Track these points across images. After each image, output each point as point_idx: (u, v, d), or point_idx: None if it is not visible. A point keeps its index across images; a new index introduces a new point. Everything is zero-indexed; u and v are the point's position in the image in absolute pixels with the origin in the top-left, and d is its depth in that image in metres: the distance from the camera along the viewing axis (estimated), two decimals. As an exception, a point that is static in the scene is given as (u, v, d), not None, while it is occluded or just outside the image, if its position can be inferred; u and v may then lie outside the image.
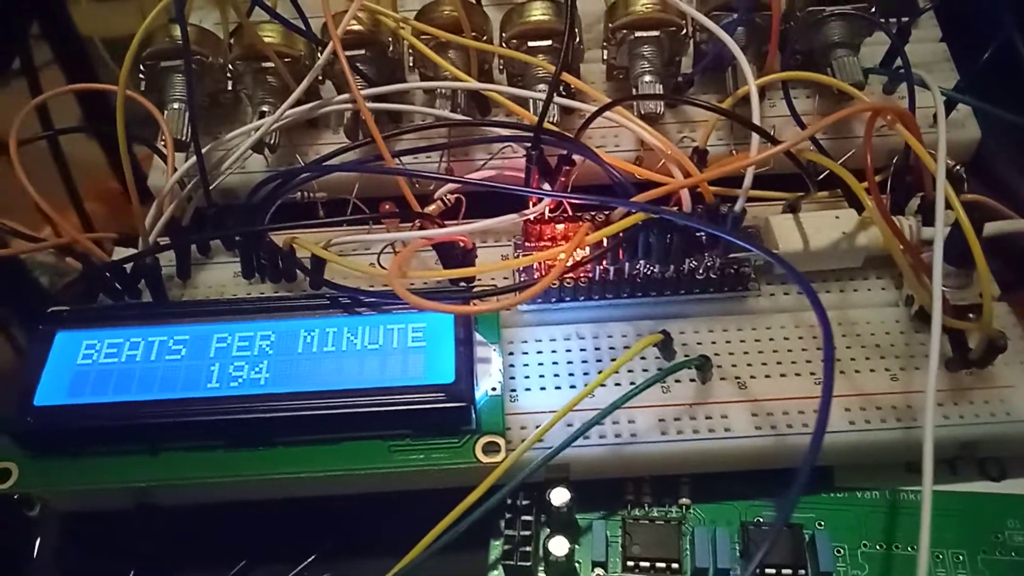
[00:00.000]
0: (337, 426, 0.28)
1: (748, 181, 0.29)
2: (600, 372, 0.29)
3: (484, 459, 0.28)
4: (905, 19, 0.36)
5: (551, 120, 0.32)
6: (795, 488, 0.20)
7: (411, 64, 0.35)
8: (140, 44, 0.32)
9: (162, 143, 0.34)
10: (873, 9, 0.34)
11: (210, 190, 0.32)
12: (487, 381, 0.29)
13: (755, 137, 0.29)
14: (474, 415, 0.28)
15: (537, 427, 0.28)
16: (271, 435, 0.28)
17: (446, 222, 0.32)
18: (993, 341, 0.28)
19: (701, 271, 0.31)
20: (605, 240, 0.29)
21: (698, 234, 0.30)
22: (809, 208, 0.32)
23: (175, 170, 0.32)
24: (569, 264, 0.29)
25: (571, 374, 0.30)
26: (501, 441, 0.28)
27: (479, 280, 0.32)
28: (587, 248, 0.30)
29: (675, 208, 0.29)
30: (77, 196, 0.49)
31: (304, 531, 0.30)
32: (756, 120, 0.29)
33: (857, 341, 0.30)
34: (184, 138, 0.34)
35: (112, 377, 0.28)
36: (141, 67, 0.35)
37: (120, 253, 0.33)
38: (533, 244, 0.33)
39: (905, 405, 0.29)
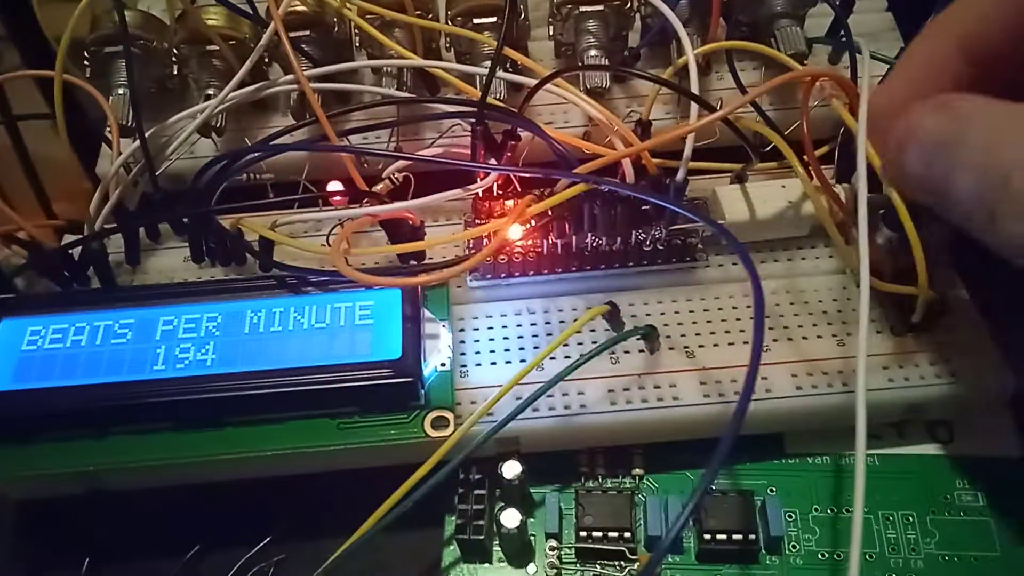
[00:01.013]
0: (285, 405, 0.28)
1: (688, 151, 0.29)
2: (550, 346, 0.29)
3: (433, 434, 0.28)
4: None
5: (498, 97, 0.32)
6: (718, 454, 0.20)
7: (358, 44, 0.35)
8: (78, 28, 0.31)
9: (108, 129, 0.34)
10: (815, -21, 0.34)
11: (157, 175, 0.32)
12: (436, 357, 0.29)
13: (695, 107, 0.29)
14: (422, 390, 0.28)
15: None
16: (219, 416, 0.28)
17: (394, 201, 0.32)
18: (931, 305, 0.28)
19: (648, 243, 0.31)
20: (549, 212, 0.29)
21: (644, 207, 0.30)
22: (756, 178, 0.33)
23: (120, 155, 0.32)
24: (516, 237, 0.29)
25: (521, 348, 0.30)
26: (450, 416, 0.28)
27: (430, 259, 0.32)
28: (532, 221, 0.30)
29: (620, 178, 0.30)
30: (42, 191, 0.48)
31: (257, 513, 0.30)
32: (695, 90, 0.29)
33: (804, 308, 0.31)
34: (128, 123, 0.33)
35: (57, 362, 0.28)
36: (87, 53, 0.34)
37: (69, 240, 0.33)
38: (483, 221, 0.33)
39: (851, 369, 0.29)
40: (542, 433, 0.29)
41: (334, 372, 0.28)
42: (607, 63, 0.33)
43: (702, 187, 0.33)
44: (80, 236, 0.32)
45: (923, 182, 0.24)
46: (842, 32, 0.33)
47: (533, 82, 0.32)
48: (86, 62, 0.35)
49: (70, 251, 0.31)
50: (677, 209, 0.28)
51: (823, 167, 0.30)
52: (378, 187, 0.32)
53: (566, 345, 0.30)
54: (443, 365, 0.29)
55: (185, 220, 0.32)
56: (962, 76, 0.25)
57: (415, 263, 0.32)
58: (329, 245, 0.32)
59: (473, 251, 0.32)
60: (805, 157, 0.29)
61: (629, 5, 0.34)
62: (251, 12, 0.34)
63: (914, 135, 0.24)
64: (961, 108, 0.23)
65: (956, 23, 0.26)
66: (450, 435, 0.27)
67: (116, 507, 0.30)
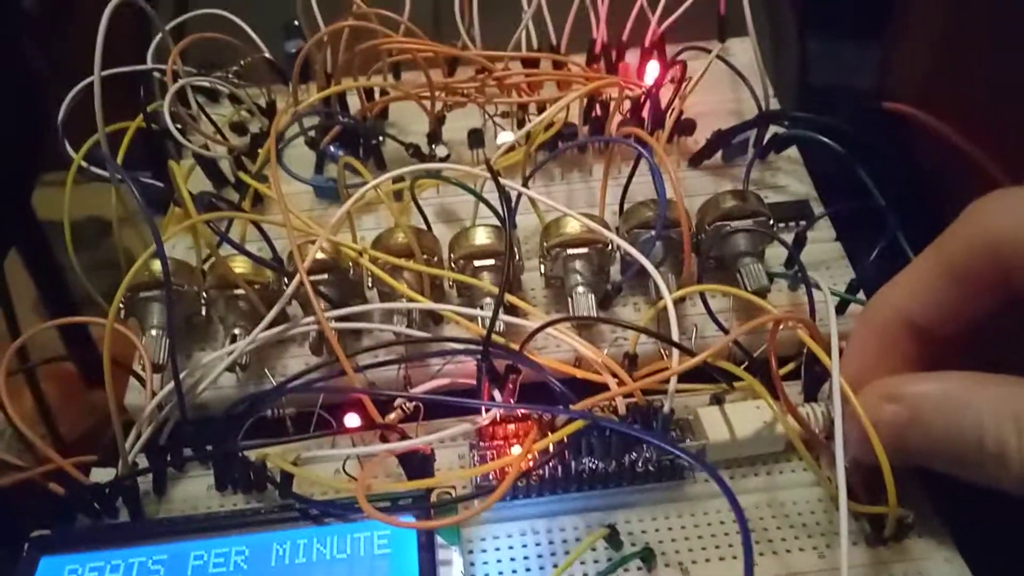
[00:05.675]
0: (310, 637, 0.30)
1: (672, 386, 0.32)
2: (555, 566, 0.32)
3: (450, 662, 0.29)
4: (803, 223, 0.41)
5: (499, 331, 0.36)
6: None
7: (370, 285, 0.39)
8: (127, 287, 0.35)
9: (140, 366, 0.37)
10: (771, 221, 0.39)
11: (186, 410, 0.35)
12: (449, 583, 0.31)
13: (676, 346, 0.33)
14: (439, 619, 0.30)
15: (500, 625, 0.30)
16: (247, 650, 0.30)
17: (406, 427, 0.35)
18: (901, 520, 0.31)
19: (640, 464, 0.34)
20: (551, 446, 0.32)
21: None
22: (733, 398, 0.36)
23: (154, 394, 0.35)
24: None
25: (528, 569, 0.32)
26: (466, 643, 0.30)
27: (438, 469, 0.35)
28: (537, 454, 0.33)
29: (612, 410, 0.33)
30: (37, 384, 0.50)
31: None
32: (674, 331, 0.33)
33: (786, 521, 0.33)
34: (161, 362, 0.37)
35: (94, 602, 0.30)
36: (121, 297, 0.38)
37: (97, 474, 0.35)
38: (487, 444, 0.36)
39: (833, 581, 0.32)
40: (551, 655, 0.30)
41: (356, 604, 0.30)
42: (593, 298, 0.37)
43: (684, 403, 0.36)
44: (112, 470, 0.34)
45: (905, 459, 0.29)
46: (796, 268, 0.38)
47: (527, 323, 0.36)
48: (120, 305, 0.38)
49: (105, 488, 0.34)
50: (666, 446, 0.31)
51: (791, 383, 0.34)
52: (391, 417, 0.35)
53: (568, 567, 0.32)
54: (456, 591, 0.31)
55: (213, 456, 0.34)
56: (912, 352, 0.30)
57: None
58: (345, 471, 0.34)
59: (480, 478, 0.34)
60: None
61: (610, 247, 0.38)
62: (272, 258, 0.38)
63: (880, 423, 0.29)
64: (910, 395, 0.28)
65: (900, 299, 0.30)
66: (466, 663, 0.29)
67: None
